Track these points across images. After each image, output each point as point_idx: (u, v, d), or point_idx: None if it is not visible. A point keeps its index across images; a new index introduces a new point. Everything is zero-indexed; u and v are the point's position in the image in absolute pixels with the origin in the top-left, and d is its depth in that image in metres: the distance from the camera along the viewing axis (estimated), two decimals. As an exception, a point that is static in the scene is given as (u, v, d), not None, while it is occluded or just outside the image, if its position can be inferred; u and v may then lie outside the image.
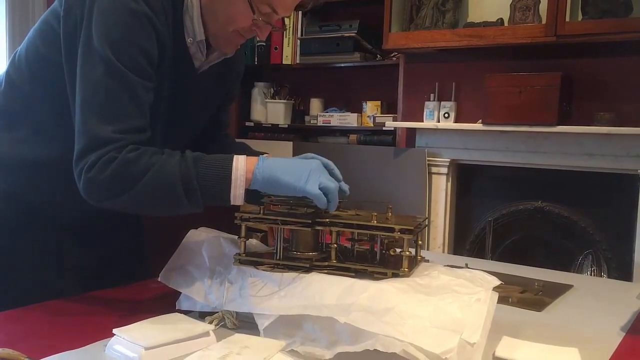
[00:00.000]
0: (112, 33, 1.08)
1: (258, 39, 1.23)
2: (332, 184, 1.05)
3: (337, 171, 1.13)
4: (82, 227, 1.30)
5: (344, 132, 3.79)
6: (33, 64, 1.22)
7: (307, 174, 1.04)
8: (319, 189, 1.03)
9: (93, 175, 1.04)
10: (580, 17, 2.83)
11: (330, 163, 1.12)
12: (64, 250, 1.29)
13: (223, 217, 1.19)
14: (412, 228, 1.04)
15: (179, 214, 1.09)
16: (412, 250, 1.09)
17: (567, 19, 2.76)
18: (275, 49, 3.89)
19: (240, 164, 1.06)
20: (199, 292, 1.12)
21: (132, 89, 1.08)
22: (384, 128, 3.51)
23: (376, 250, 1.10)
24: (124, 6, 1.08)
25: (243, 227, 1.09)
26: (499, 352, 0.99)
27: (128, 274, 1.36)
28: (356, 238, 1.14)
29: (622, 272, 2.86)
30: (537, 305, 1.30)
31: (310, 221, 1.05)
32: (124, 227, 1.39)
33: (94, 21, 1.09)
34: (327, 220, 1.06)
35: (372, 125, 3.65)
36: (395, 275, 1.02)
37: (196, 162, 1.06)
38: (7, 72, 1.28)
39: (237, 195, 1.06)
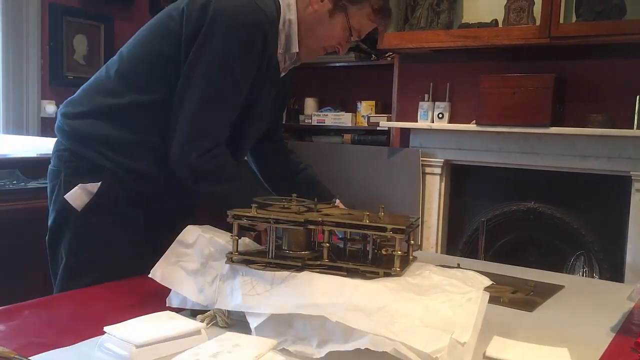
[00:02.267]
0: (231, 46, 1.27)
1: (341, 53, 1.49)
2: None
3: None
4: (166, 208, 1.44)
5: (339, 131, 3.80)
6: (151, 60, 1.36)
7: None
8: None
9: (205, 160, 1.27)
10: (574, 19, 2.84)
11: None
12: (151, 229, 1.41)
13: (217, 217, 1.19)
14: (404, 227, 1.04)
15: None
16: (404, 250, 1.09)
17: (561, 21, 2.77)
18: (270, 48, 3.89)
19: None
20: (190, 289, 1.12)
21: (233, 107, 1.32)
22: (378, 128, 3.51)
23: (368, 250, 1.10)
24: (245, 25, 1.27)
25: (236, 226, 1.09)
26: (489, 352, 0.99)
27: None
28: (348, 237, 1.14)
29: (614, 273, 2.88)
30: (529, 305, 1.30)
31: (302, 220, 1.06)
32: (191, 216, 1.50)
33: (222, 32, 1.26)
34: (320, 219, 1.06)
35: (366, 125, 3.65)
36: (387, 275, 1.02)
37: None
38: (117, 70, 1.39)
39: None
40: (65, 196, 1.35)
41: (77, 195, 1.35)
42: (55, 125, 1.44)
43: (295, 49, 1.38)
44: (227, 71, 1.27)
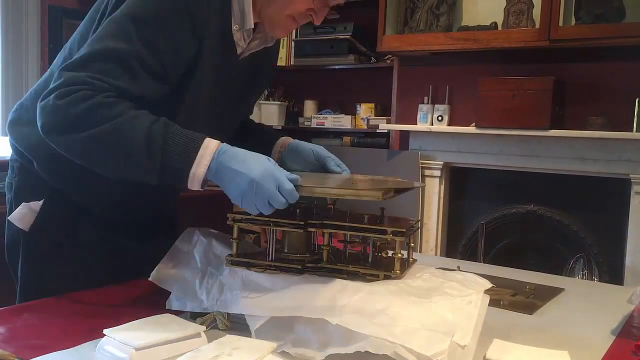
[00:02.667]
0: (145, 12, 1.07)
1: (316, 21, 1.21)
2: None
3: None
4: (127, 227, 1.32)
5: (338, 134, 3.80)
6: (76, 36, 1.22)
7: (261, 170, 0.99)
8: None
9: (63, 104, 1.00)
10: (573, 22, 2.85)
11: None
12: (105, 247, 1.31)
13: (216, 219, 1.18)
14: (404, 230, 1.04)
15: (128, 175, 1.04)
16: (404, 253, 1.09)
17: (561, 24, 2.77)
18: (270, 50, 3.89)
19: (211, 144, 1.02)
20: (190, 292, 1.12)
21: (131, 58, 1.05)
22: (377, 130, 3.52)
23: (368, 252, 1.10)
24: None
25: (235, 228, 1.09)
26: (489, 355, 0.99)
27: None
28: (348, 240, 1.14)
29: (613, 276, 2.88)
30: (529, 308, 1.30)
31: (302, 222, 1.05)
32: (161, 229, 1.39)
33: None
34: (320, 222, 1.06)
35: (365, 127, 3.66)
36: (387, 278, 1.02)
37: (167, 126, 1.02)
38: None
39: (197, 174, 1.00)
40: (8, 218, 1.26)
41: (22, 216, 1.25)
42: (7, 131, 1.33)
43: (249, 24, 1.17)
44: (140, 24, 1.06)
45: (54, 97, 1.01)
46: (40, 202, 1.25)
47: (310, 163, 1.33)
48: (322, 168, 1.32)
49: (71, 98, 1.00)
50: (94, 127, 1.00)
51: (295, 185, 1.00)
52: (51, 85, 1.03)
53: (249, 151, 1.04)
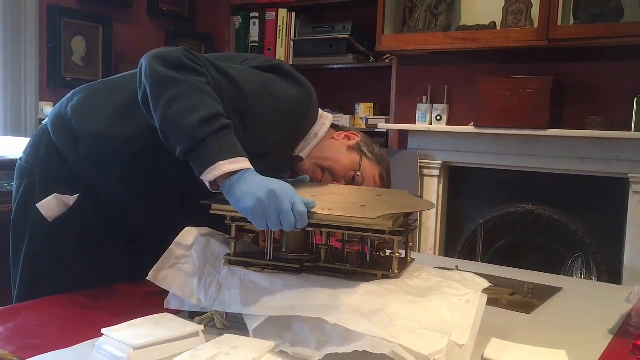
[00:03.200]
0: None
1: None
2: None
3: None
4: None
5: (337, 133, 3.80)
6: None
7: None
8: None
9: (172, 51, 1.16)
10: (572, 22, 2.85)
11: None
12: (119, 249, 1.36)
13: (219, 218, 1.18)
14: (402, 230, 1.05)
15: (177, 127, 1.07)
16: (402, 252, 1.09)
17: (559, 23, 2.77)
18: (269, 50, 3.89)
19: (248, 163, 1.05)
20: (188, 291, 1.12)
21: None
22: (376, 130, 3.51)
23: (366, 252, 1.10)
24: (307, 94, 1.39)
25: (234, 228, 1.09)
26: (487, 354, 0.99)
27: None
28: (347, 239, 1.14)
29: (612, 276, 2.88)
30: (527, 307, 1.31)
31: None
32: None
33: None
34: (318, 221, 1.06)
35: (364, 126, 3.65)
36: (385, 277, 1.02)
37: (229, 127, 1.08)
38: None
39: (218, 169, 1.03)
40: (37, 205, 1.28)
41: (51, 206, 1.28)
42: (53, 114, 1.37)
43: (304, 154, 1.38)
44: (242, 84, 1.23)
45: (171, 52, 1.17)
46: (75, 197, 1.29)
47: None
48: None
49: (181, 52, 1.17)
50: (189, 76, 1.11)
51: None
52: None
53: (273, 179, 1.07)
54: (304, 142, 1.39)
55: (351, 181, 1.38)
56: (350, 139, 1.43)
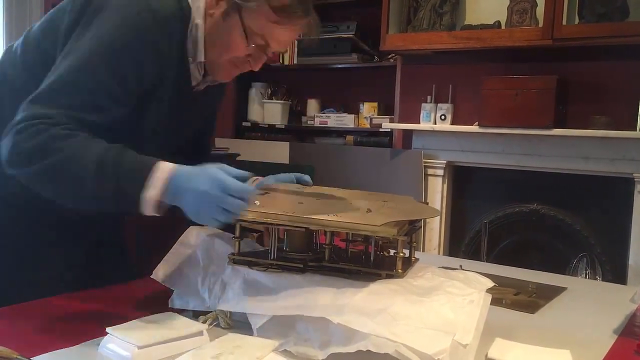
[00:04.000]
0: (112, 42, 1.09)
1: (253, 68, 1.23)
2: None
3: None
4: (67, 225, 1.30)
5: (341, 133, 3.80)
6: (29, 57, 1.22)
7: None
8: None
9: (21, 139, 1.01)
10: (576, 21, 2.84)
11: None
12: (51, 249, 1.30)
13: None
14: (407, 229, 1.04)
15: (86, 204, 1.04)
16: (406, 252, 1.09)
17: (564, 23, 2.77)
18: (273, 49, 3.89)
19: (163, 168, 1.01)
20: (192, 291, 1.12)
21: (99, 90, 1.07)
22: (380, 129, 3.51)
23: (370, 252, 1.10)
24: (132, 26, 1.10)
25: (238, 227, 1.09)
26: (491, 354, 0.99)
27: (112, 273, 1.36)
28: (350, 239, 1.14)
29: (617, 275, 2.87)
30: (531, 307, 1.30)
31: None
32: (105, 226, 1.40)
33: (96, 22, 1.09)
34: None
35: (368, 126, 3.66)
36: (389, 277, 1.02)
37: (121, 152, 1.02)
38: (1, 63, 1.27)
39: (149, 198, 0.99)
40: None
41: None
42: None
43: (200, 57, 1.20)
44: (106, 54, 1.07)
45: (15, 132, 1.02)
46: None
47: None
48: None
49: (28, 133, 1.01)
50: (47, 159, 1.00)
51: (307, 219, 0.99)
52: (16, 118, 1.04)
53: (201, 167, 1.02)
54: (192, 45, 1.19)
55: (258, 48, 1.17)
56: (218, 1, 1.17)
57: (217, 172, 0.99)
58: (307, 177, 1.26)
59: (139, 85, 1.13)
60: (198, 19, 1.18)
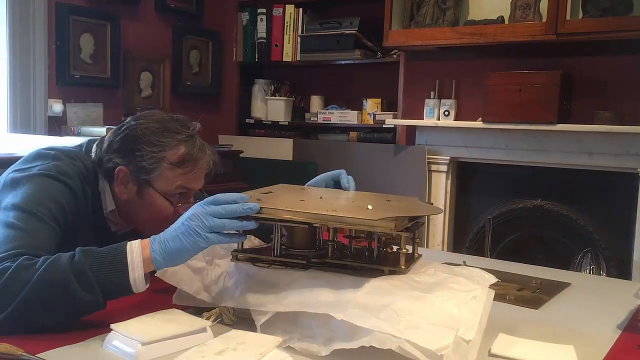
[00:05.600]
0: (27, 192, 1.16)
1: (183, 212, 1.15)
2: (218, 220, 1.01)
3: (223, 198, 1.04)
4: None
5: (344, 129, 3.80)
6: None
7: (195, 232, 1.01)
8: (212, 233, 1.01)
9: None
10: (580, 16, 2.83)
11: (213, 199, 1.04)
12: None
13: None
14: (409, 225, 1.05)
15: (79, 314, 1.04)
16: (410, 248, 1.09)
17: (568, 17, 2.75)
18: (276, 46, 3.89)
19: (134, 246, 1.04)
20: (196, 287, 1.12)
21: (29, 228, 1.10)
22: (384, 125, 3.51)
23: (373, 248, 1.10)
24: (42, 179, 1.19)
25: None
26: (494, 349, 0.99)
27: None
28: (353, 235, 1.14)
29: (621, 271, 2.86)
30: (534, 303, 1.30)
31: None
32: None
33: (11, 193, 1.17)
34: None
35: (372, 122, 3.65)
36: (392, 273, 1.02)
37: (86, 254, 1.03)
38: None
39: (137, 278, 1.02)
40: None
41: None
42: None
43: (110, 207, 1.29)
44: (13, 210, 1.13)
45: None
46: None
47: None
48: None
49: None
50: (22, 292, 0.99)
51: (308, 214, 1.00)
52: None
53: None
54: (103, 197, 1.28)
55: (185, 200, 1.26)
56: (120, 176, 1.26)
57: (194, 207, 1.03)
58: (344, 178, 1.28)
59: (63, 216, 1.18)
60: (102, 182, 1.27)
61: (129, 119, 1.31)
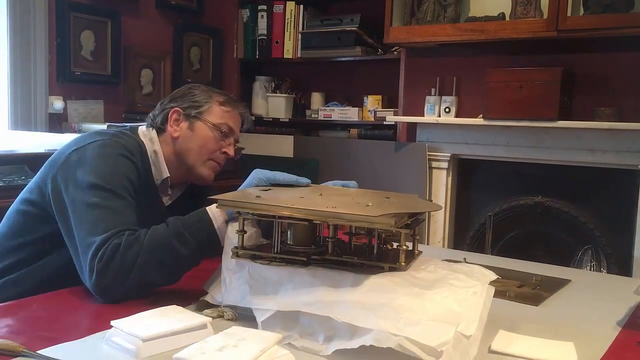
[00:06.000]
0: (99, 168, 1.28)
1: (230, 154, 1.53)
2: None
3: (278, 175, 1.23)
4: None
5: (345, 126, 3.79)
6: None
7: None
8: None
9: (104, 263, 1.14)
10: (581, 12, 2.82)
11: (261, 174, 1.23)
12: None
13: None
14: (409, 222, 1.05)
15: (183, 269, 1.20)
16: (410, 245, 1.09)
17: (569, 14, 2.75)
18: (277, 42, 3.89)
19: (211, 207, 1.19)
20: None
21: (115, 206, 1.24)
22: (384, 122, 3.51)
23: (373, 245, 1.10)
24: (109, 153, 1.32)
25: (241, 221, 1.10)
26: (494, 346, 0.99)
27: None
28: (354, 232, 1.14)
29: (622, 268, 2.87)
30: (535, 299, 1.30)
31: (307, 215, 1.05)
32: None
33: (80, 169, 1.28)
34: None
35: (373, 119, 3.65)
36: (392, 269, 1.02)
37: (177, 220, 1.20)
38: None
39: (220, 227, 1.18)
40: None
41: None
42: None
43: (165, 174, 1.46)
44: (90, 188, 1.25)
45: (94, 264, 1.15)
46: None
47: None
48: None
49: (106, 257, 1.14)
50: (136, 262, 1.15)
51: (308, 210, 1.03)
52: (83, 263, 1.18)
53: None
54: (155, 168, 1.44)
55: (228, 139, 1.49)
56: (173, 117, 1.47)
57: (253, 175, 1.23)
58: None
59: (134, 189, 1.32)
60: (154, 146, 1.45)
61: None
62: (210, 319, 1.04)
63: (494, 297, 1.03)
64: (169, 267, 1.18)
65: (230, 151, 1.50)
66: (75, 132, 3.01)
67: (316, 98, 3.93)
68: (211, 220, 1.18)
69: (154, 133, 1.47)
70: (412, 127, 3.43)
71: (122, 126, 1.53)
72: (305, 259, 1.05)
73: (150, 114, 1.51)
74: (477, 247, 3.21)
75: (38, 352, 0.92)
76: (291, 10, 3.81)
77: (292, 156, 3.74)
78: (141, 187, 1.36)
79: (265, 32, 3.91)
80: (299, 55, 3.83)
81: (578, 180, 3.03)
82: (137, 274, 1.15)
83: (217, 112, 1.48)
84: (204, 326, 0.99)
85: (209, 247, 1.19)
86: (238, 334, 0.95)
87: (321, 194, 1.17)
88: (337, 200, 1.10)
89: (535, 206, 3.11)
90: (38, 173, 1.40)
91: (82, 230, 1.20)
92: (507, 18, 2.98)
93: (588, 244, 2.95)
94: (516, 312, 1.22)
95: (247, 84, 4.10)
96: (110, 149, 1.33)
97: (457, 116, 3.25)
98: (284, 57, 3.89)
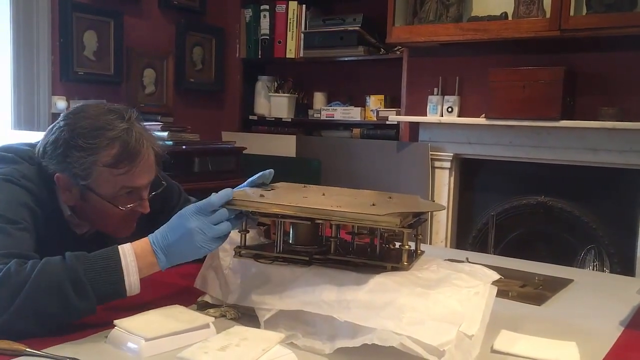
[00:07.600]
0: (1, 199, 1.10)
1: (143, 211, 1.23)
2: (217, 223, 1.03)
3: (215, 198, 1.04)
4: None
5: (347, 126, 3.79)
6: None
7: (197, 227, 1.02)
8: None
9: None
10: (584, 11, 2.82)
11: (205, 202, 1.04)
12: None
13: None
14: (411, 222, 1.05)
15: (72, 319, 1.00)
16: (412, 244, 1.09)
17: (572, 13, 2.74)
18: (279, 42, 3.89)
19: (126, 249, 1.03)
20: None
21: (9, 230, 1.06)
22: (387, 122, 3.50)
23: (376, 244, 1.11)
24: (11, 186, 1.13)
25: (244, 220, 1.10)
26: (497, 346, 0.99)
27: None
28: (356, 232, 1.14)
29: (625, 267, 2.86)
30: (537, 299, 1.30)
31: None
32: None
33: None
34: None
35: (375, 119, 3.65)
36: (394, 269, 1.02)
37: (78, 259, 1.01)
38: None
39: (132, 283, 1.02)
40: None
41: None
42: None
43: (67, 212, 1.22)
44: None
45: None
46: None
47: None
48: None
49: None
50: (14, 302, 0.96)
51: (311, 209, 1.00)
52: None
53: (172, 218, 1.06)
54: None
55: (136, 198, 1.20)
56: (60, 184, 1.19)
57: (191, 210, 1.02)
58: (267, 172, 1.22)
59: (35, 220, 1.13)
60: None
61: (60, 116, 1.21)
62: (213, 318, 1.04)
63: (496, 296, 1.03)
64: (52, 315, 0.98)
65: (143, 208, 1.21)
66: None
67: (318, 98, 3.93)
68: (122, 272, 1.01)
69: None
70: (415, 126, 3.42)
71: (32, 145, 1.25)
72: (307, 258, 1.05)
73: (39, 147, 1.21)
74: (480, 246, 3.20)
75: (41, 351, 0.92)
76: (294, 9, 3.81)
77: (294, 156, 3.74)
78: (46, 216, 1.17)
79: (267, 31, 3.91)
80: (301, 55, 3.83)
81: (581, 180, 3.02)
82: (9, 319, 0.95)
83: (106, 179, 1.16)
84: (206, 326, 0.99)
85: (111, 300, 1.03)
86: (240, 334, 0.95)
87: (324, 194, 1.17)
88: (340, 201, 1.10)
89: (538, 206, 3.11)
90: None
91: None
92: (510, 17, 2.97)
93: (591, 243, 2.94)
94: (519, 311, 1.22)
95: (250, 84, 4.10)
96: (7, 182, 1.13)
97: (459, 116, 3.24)
98: (287, 56, 3.89)
